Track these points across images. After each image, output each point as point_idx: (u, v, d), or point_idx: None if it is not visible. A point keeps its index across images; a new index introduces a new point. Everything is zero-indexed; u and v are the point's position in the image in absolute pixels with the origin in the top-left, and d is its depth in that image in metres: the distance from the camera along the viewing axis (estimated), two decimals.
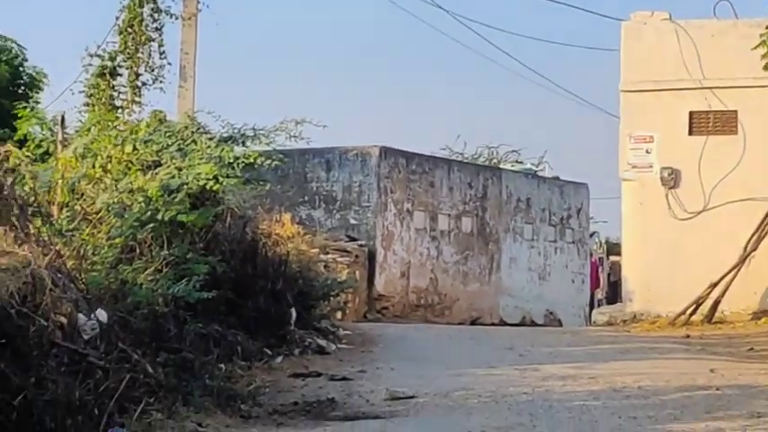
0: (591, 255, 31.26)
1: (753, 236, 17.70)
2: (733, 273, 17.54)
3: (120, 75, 20.31)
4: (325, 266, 18.02)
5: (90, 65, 20.20)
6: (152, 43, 20.46)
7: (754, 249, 17.71)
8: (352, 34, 61.02)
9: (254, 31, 58.18)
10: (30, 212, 9.31)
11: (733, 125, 18.84)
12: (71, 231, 10.70)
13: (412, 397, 9.71)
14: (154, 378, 8.97)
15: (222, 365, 10.77)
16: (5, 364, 7.48)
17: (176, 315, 10.47)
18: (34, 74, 21.78)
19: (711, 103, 18.89)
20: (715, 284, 17.58)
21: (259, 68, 57.60)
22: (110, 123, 14.35)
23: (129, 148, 12.52)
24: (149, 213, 11.40)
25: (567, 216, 28.65)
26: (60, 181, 11.77)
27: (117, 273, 10.39)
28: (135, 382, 8.62)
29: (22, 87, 21.23)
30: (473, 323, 23.61)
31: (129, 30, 20.27)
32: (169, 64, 20.59)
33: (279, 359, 12.33)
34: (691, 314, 17.64)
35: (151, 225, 11.33)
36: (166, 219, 11.38)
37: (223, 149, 12.89)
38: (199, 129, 14.19)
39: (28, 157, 10.67)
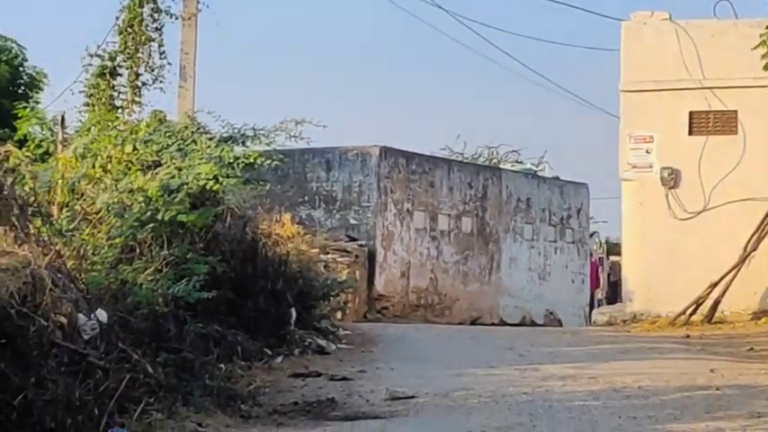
0: (591, 255, 31.26)
1: (753, 236, 17.70)
2: (733, 273, 17.54)
3: (120, 75, 20.31)
4: (325, 266, 18.03)
5: (90, 65, 20.22)
6: (152, 43, 20.48)
7: (754, 249, 17.71)
8: (352, 34, 61.07)
9: (253, 31, 58.23)
10: (30, 212, 9.31)
11: (733, 125, 18.84)
12: (71, 231, 10.70)
13: (412, 397, 9.71)
14: (154, 378, 8.98)
15: (222, 365, 10.78)
16: (5, 364, 7.49)
17: (176, 315, 10.47)
18: (34, 74, 21.77)
19: (711, 103, 18.89)
20: (715, 284, 17.58)
21: (259, 68, 57.66)
22: (110, 123, 14.36)
23: (129, 148, 12.52)
24: (149, 213, 11.40)
25: (567, 216, 28.65)
26: (60, 181, 11.77)
27: (117, 273, 10.39)
28: (135, 382, 8.63)
29: (22, 87, 21.23)
30: (473, 323, 23.61)
31: (129, 30, 20.27)
32: (169, 64, 20.61)
33: (279, 359, 12.33)
34: (691, 314, 17.64)
35: (151, 225, 11.33)
36: (166, 219, 11.38)
37: (223, 149, 12.89)
38: (199, 129, 14.20)
39: (28, 157, 10.65)
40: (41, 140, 13.28)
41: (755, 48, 16.91)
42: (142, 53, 20.33)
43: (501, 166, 31.17)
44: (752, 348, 13.95)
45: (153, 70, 20.36)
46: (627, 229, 19.57)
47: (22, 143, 12.74)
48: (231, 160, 12.77)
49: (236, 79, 51.54)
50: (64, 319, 8.15)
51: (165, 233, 11.40)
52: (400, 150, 24.01)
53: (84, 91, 20.16)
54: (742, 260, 17.63)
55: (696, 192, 18.74)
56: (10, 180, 9.18)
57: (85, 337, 8.38)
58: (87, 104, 20.01)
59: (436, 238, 24.46)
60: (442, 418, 8.93)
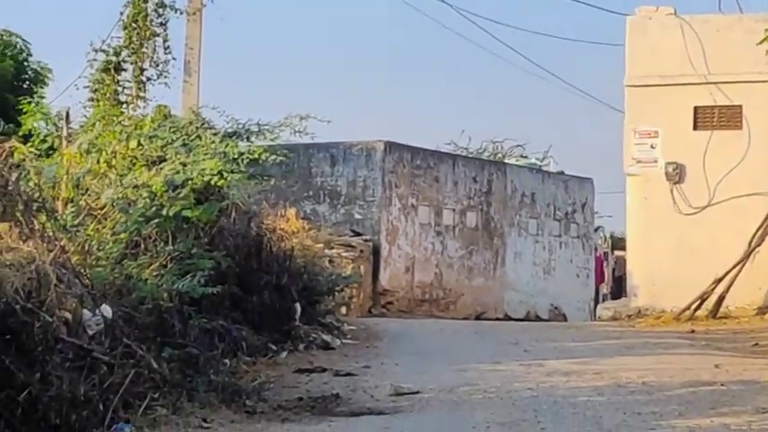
0: (596, 249, 31.26)
1: (758, 231, 17.66)
2: (738, 268, 17.51)
3: (125, 70, 20.31)
4: (330, 261, 18.03)
5: (95, 60, 20.21)
6: (157, 38, 20.46)
7: (759, 244, 17.67)
8: (355, 31, 61.00)
9: (257, 28, 58.16)
10: (35, 208, 9.31)
11: (738, 120, 18.80)
12: (76, 227, 10.71)
13: (416, 392, 9.72)
14: (158, 373, 8.98)
15: (227, 361, 10.79)
16: (10, 360, 7.50)
17: (181, 310, 10.48)
18: (39, 69, 21.74)
19: (716, 97, 18.85)
20: (720, 279, 17.55)
21: (262, 65, 57.61)
22: (114, 118, 14.38)
23: (133, 144, 12.55)
24: (154, 209, 11.42)
25: (572, 211, 28.64)
26: (65, 176, 11.79)
27: (122, 268, 10.40)
28: (140, 378, 8.64)
29: (27, 82, 21.20)
30: (478, 318, 23.62)
31: (134, 25, 20.27)
32: (174, 59, 20.60)
33: (283, 354, 12.35)
34: (695, 309, 17.61)
35: (156, 220, 11.35)
36: (171, 214, 11.40)
37: (228, 145, 12.91)
38: (203, 124, 14.22)
39: (33, 152, 10.66)
40: (46, 136, 13.29)
41: (760, 42, 16.87)
42: (147, 48, 20.33)
43: (506, 160, 31.16)
44: (757, 344, 13.93)
45: (157, 65, 20.38)
46: (631, 224, 19.56)
47: (26, 138, 12.76)
48: (236, 155, 12.79)
49: (239, 76, 51.52)
50: (69, 315, 8.16)
51: (169, 228, 11.42)
52: (405, 145, 24.01)
53: (88, 86, 20.18)
54: (747, 255, 17.60)
55: (701, 187, 18.70)
56: (15, 175, 9.19)
57: (90, 332, 8.39)
58: (92, 99, 20.01)
59: (441, 232, 24.46)
60: (446, 413, 8.93)
